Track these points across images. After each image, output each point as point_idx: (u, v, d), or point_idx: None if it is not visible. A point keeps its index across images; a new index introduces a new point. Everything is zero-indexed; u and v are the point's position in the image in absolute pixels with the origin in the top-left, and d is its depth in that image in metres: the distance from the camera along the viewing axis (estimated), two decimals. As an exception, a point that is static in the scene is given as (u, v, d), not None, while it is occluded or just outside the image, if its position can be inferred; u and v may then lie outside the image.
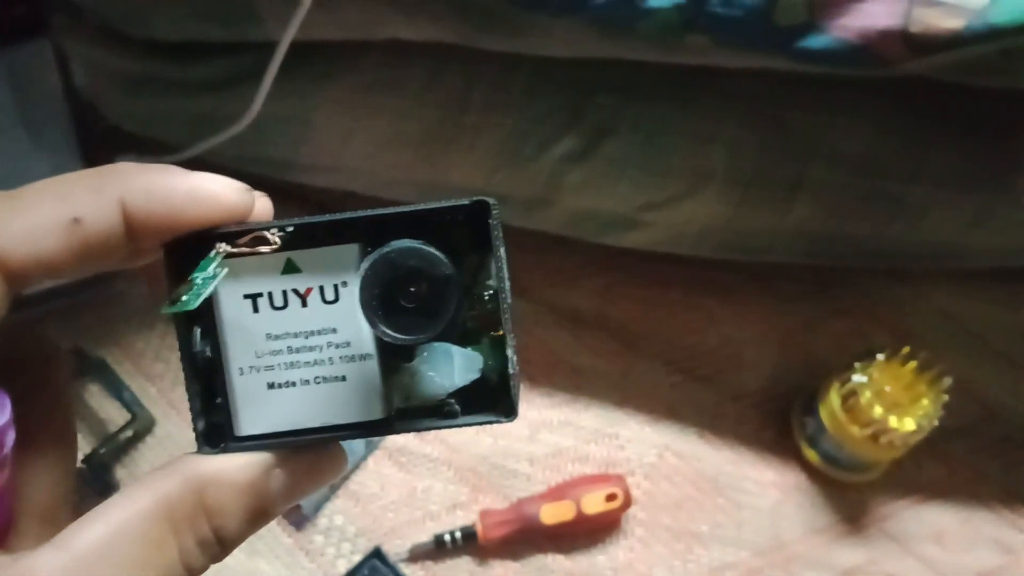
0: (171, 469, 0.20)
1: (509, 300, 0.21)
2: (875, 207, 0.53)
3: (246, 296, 0.21)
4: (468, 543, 0.51)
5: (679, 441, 0.56)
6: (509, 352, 0.20)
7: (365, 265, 0.20)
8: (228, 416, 0.21)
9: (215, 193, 0.20)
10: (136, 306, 0.57)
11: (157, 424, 0.54)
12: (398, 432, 0.21)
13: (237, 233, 0.20)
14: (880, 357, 0.50)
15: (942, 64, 0.43)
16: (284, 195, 0.61)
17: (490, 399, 0.21)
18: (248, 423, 0.21)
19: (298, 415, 0.21)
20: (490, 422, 0.21)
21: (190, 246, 0.20)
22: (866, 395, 0.50)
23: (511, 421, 0.21)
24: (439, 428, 0.21)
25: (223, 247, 0.20)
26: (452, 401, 0.21)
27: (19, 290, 0.19)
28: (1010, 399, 0.58)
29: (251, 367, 0.21)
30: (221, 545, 0.20)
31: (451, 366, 0.20)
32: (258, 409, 0.21)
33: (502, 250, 0.20)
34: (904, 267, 0.60)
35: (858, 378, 0.50)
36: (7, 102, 0.56)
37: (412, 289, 0.20)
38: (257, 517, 0.20)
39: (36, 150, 0.56)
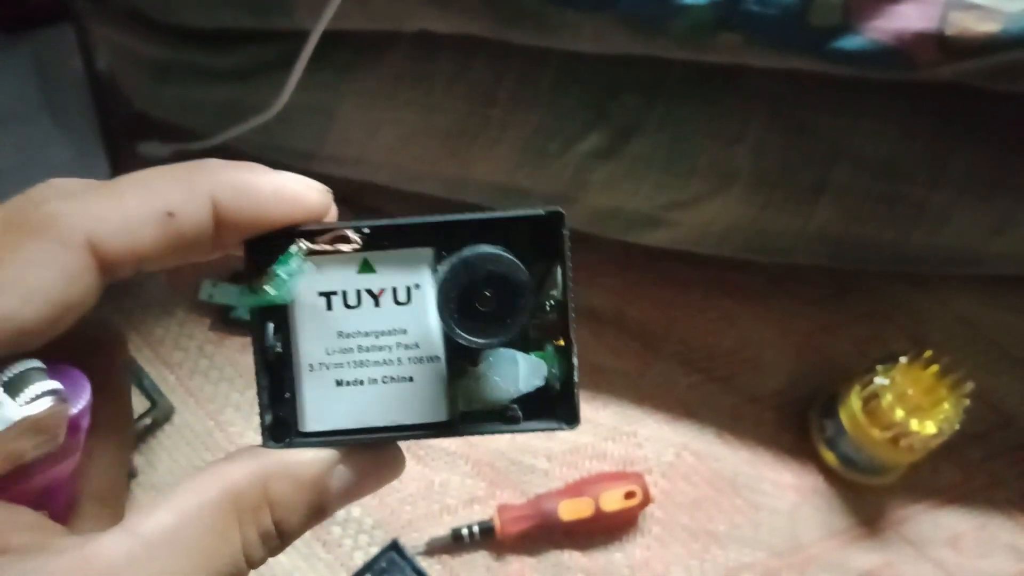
0: (238, 460, 0.20)
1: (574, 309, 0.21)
2: (898, 212, 0.53)
3: (321, 293, 0.21)
4: (485, 538, 0.51)
5: (697, 441, 0.56)
6: (574, 360, 0.21)
7: (444, 268, 0.20)
8: (294, 411, 0.21)
9: (298, 193, 0.20)
10: (156, 294, 0.57)
11: (176, 412, 0.53)
12: (461, 435, 0.22)
13: (317, 232, 0.21)
14: (902, 360, 0.50)
15: (976, 68, 0.43)
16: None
17: (551, 406, 0.21)
18: (314, 419, 0.21)
19: (364, 414, 0.21)
20: (552, 429, 0.21)
21: (271, 242, 0.21)
22: (887, 398, 0.50)
23: (573, 429, 0.21)
24: (501, 432, 0.21)
25: (304, 244, 0.21)
26: (515, 407, 0.21)
27: (110, 281, 0.19)
28: (1026, 406, 0.58)
29: (321, 364, 0.21)
30: (281, 539, 0.20)
31: (516, 372, 0.21)
32: (325, 406, 0.21)
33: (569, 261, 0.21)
34: (924, 272, 0.60)
35: (880, 380, 0.50)
36: (30, 87, 0.56)
37: (488, 293, 0.20)
38: (316, 513, 0.20)
39: (59, 135, 0.55)
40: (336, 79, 0.51)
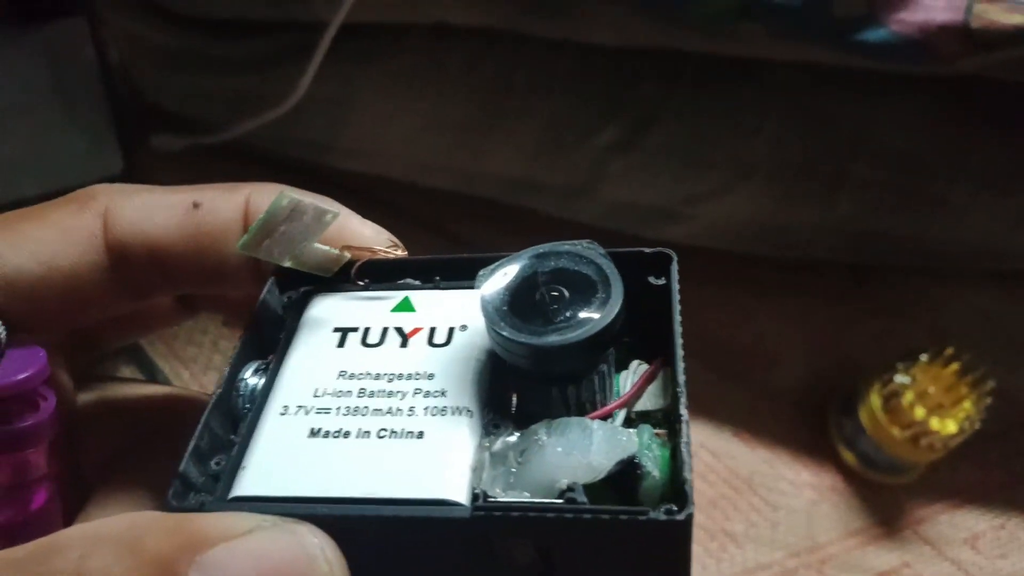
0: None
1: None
2: (917, 206, 0.52)
3: (336, 329, 0.17)
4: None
5: (713, 439, 0.55)
6: (683, 438, 0.15)
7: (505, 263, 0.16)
8: (236, 466, 0.15)
9: (362, 236, 0.19)
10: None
11: (187, 406, 0.53)
12: (475, 524, 0.14)
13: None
14: (923, 358, 0.50)
15: (1000, 61, 0.42)
16: (320, 179, 0.61)
17: (633, 491, 0.15)
18: (257, 480, 0.15)
19: (332, 479, 0.15)
20: (640, 516, 0.14)
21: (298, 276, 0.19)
22: (908, 396, 0.49)
23: (679, 517, 0.14)
24: (544, 518, 0.14)
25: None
26: (578, 486, 0.14)
27: (126, 273, 0.18)
28: (1045, 405, 0.57)
29: (300, 407, 0.16)
30: None
31: (588, 442, 0.14)
32: (282, 463, 0.15)
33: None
34: (943, 267, 0.59)
35: (901, 379, 0.49)
36: (43, 78, 0.56)
37: (554, 293, 0.16)
38: None
39: (71, 126, 0.55)
40: (351, 71, 0.51)
